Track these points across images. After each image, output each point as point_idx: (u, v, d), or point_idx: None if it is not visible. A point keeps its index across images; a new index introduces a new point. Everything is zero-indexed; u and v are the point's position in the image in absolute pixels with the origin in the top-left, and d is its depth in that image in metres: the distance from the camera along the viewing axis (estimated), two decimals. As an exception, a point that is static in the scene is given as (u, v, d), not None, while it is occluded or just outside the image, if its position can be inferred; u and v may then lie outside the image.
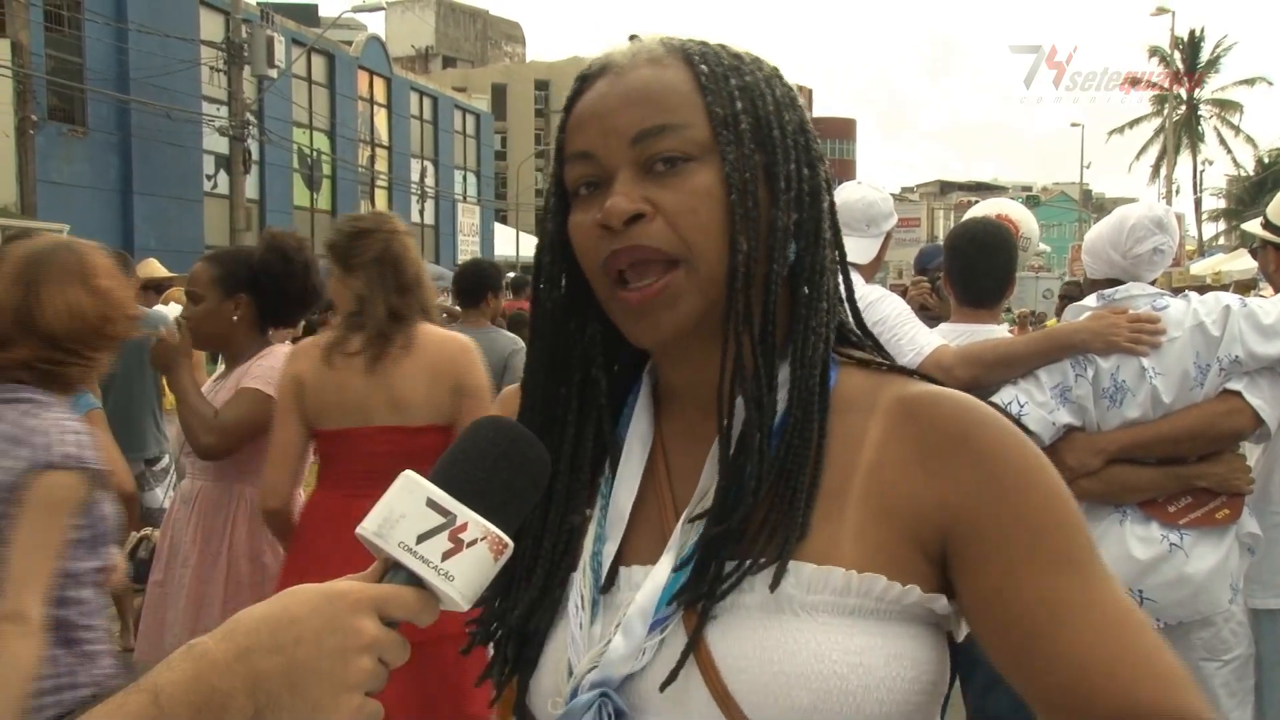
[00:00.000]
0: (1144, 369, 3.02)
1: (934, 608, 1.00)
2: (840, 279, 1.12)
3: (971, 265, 3.62)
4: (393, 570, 0.87)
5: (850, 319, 1.15)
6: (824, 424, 1.03)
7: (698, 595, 0.98)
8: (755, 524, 0.99)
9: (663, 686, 0.97)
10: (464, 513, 0.86)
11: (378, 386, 3.13)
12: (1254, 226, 3.60)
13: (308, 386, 3.17)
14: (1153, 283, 3.27)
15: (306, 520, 3.20)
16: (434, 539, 0.85)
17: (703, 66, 1.04)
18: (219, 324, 3.59)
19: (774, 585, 0.96)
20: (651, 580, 1.01)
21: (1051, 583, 0.97)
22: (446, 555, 0.85)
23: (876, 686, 0.95)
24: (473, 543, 0.86)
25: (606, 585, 1.04)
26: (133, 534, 3.99)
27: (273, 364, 3.41)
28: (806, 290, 1.05)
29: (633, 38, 1.10)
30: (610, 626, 1.01)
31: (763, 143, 1.03)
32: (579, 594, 1.05)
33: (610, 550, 1.06)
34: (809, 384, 1.03)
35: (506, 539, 0.87)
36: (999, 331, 3.62)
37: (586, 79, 1.07)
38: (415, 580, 0.86)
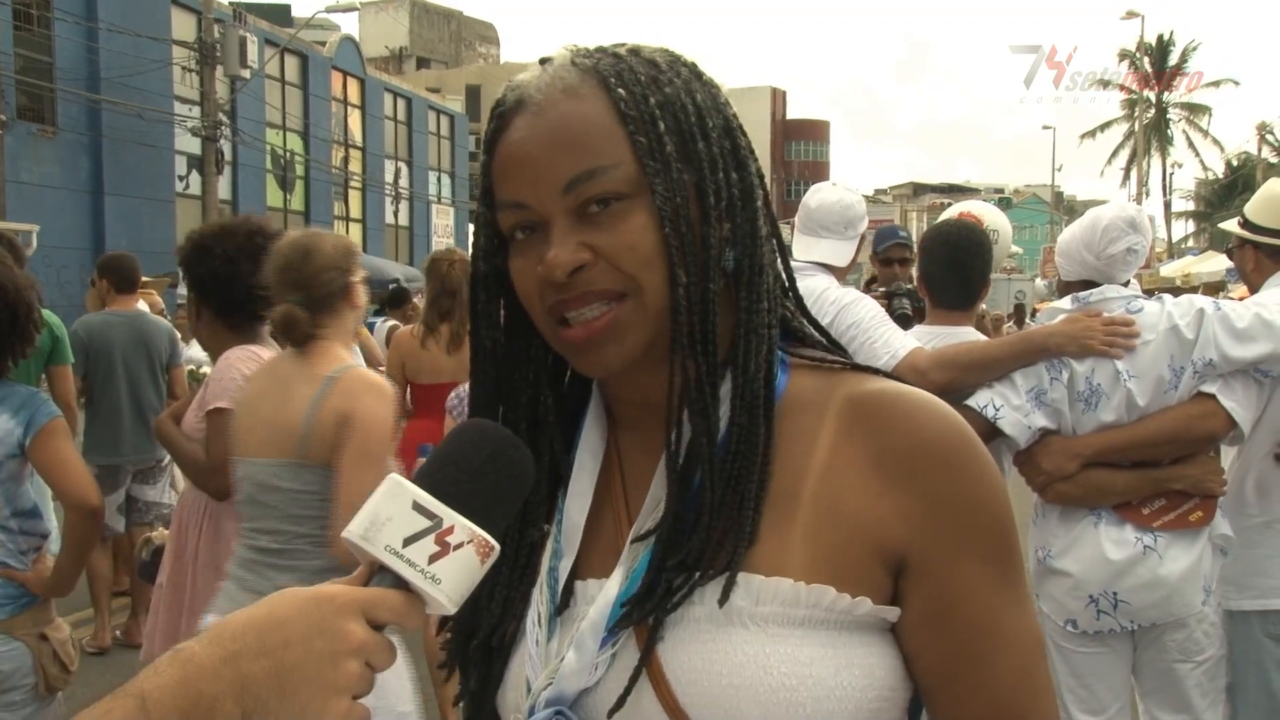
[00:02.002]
0: (1119, 372, 3.03)
1: (887, 617, 0.99)
2: (780, 271, 1.11)
3: (946, 267, 3.61)
4: (379, 573, 0.87)
5: (795, 312, 1.14)
6: (770, 429, 1.02)
7: (645, 612, 0.97)
8: (704, 533, 0.99)
9: (611, 712, 0.97)
10: (450, 516, 0.86)
11: (458, 359, 5.26)
12: (1231, 225, 3.62)
13: (406, 359, 5.57)
14: (1126, 284, 3.29)
15: (410, 433, 5.42)
16: (420, 542, 0.85)
17: (620, 90, 1.01)
18: (195, 330, 3.61)
19: (723, 600, 0.95)
20: (603, 596, 1.01)
21: (997, 606, 1.00)
22: (433, 558, 0.85)
23: (826, 697, 0.94)
24: (459, 546, 0.86)
25: (563, 600, 1.04)
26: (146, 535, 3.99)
27: (222, 377, 3.28)
28: (745, 294, 1.04)
29: (544, 61, 1.07)
30: (565, 642, 1.01)
31: (689, 159, 1.02)
32: (536, 610, 1.05)
33: (565, 566, 1.05)
34: (753, 390, 1.02)
35: (493, 542, 0.87)
36: (973, 334, 3.62)
37: (504, 115, 1.04)
38: (401, 583, 0.86)
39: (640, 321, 1.00)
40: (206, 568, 3.27)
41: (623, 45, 1.08)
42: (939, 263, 3.64)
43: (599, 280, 1.00)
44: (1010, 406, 3.07)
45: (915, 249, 5.27)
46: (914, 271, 4.64)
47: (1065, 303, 3.27)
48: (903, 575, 0.99)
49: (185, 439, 3.37)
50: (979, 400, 3.09)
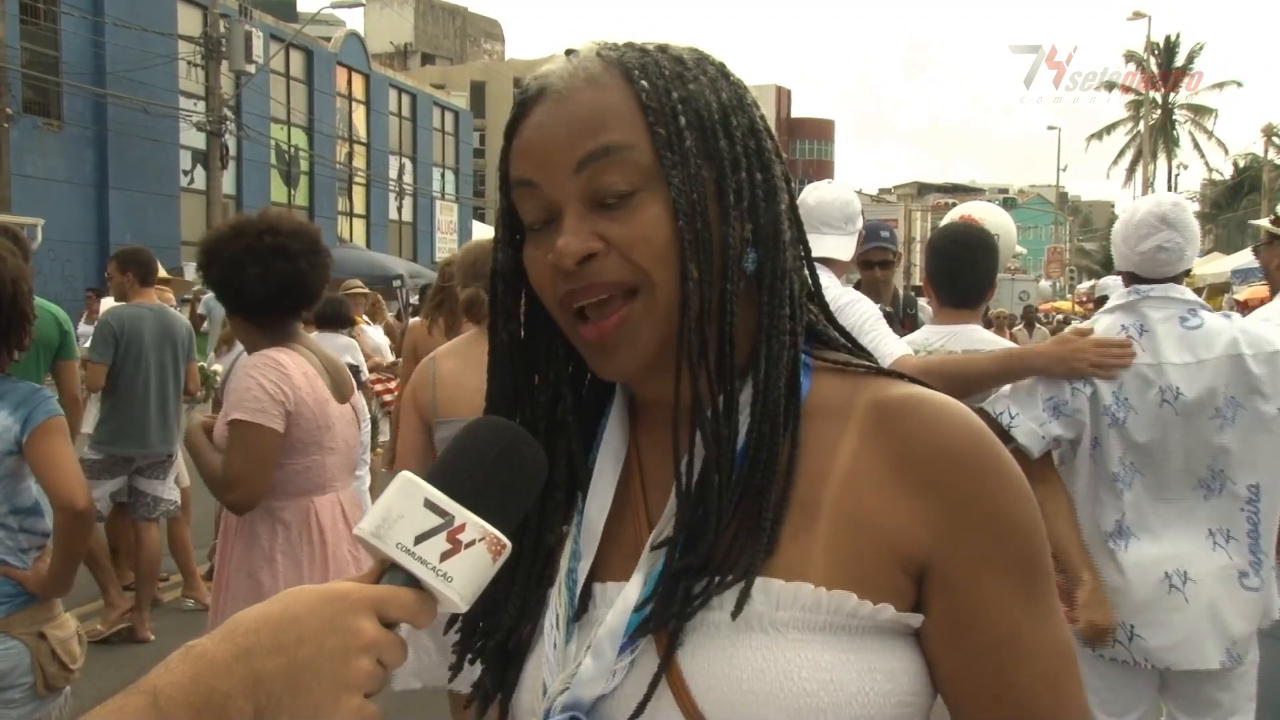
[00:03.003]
0: (1160, 390, 2.89)
1: (910, 623, 0.98)
2: (806, 276, 1.10)
3: (956, 265, 3.62)
4: (391, 571, 0.86)
5: (820, 317, 1.13)
6: (794, 437, 1.00)
7: (664, 620, 0.96)
8: (723, 541, 0.97)
9: (632, 718, 0.96)
10: (462, 514, 0.86)
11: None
12: (1263, 222, 3.59)
13: (418, 344, 5.69)
14: (1184, 275, 3.09)
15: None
16: (432, 540, 0.85)
17: (643, 82, 1.00)
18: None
19: (737, 609, 0.94)
20: (622, 601, 0.99)
21: (1019, 614, 0.98)
22: (445, 556, 0.85)
23: (848, 702, 0.93)
24: (471, 543, 0.85)
25: (582, 603, 1.03)
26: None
27: (238, 386, 3.22)
28: (766, 298, 1.03)
29: (569, 52, 1.06)
30: (583, 646, 1.00)
31: (710, 156, 1.00)
32: (554, 613, 1.03)
33: (584, 568, 1.04)
34: (773, 398, 1.00)
35: (505, 540, 0.87)
36: (979, 332, 3.62)
37: (525, 103, 1.04)
38: (413, 581, 0.85)
39: (652, 319, 0.99)
40: (239, 572, 3.26)
41: (651, 42, 1.07)
42: (947, 262, 3.65)
43: (609, 271, 0.98)
44: (1026, 415, 2.99)
45: (899, 250, 5.30)
46: (896, 275, 4.67)
47: (1121, 294, 3.13)
48: (924, 582, 0.98)
49: (212, 451, 3.30)
50: (995, 407, 3.05)
